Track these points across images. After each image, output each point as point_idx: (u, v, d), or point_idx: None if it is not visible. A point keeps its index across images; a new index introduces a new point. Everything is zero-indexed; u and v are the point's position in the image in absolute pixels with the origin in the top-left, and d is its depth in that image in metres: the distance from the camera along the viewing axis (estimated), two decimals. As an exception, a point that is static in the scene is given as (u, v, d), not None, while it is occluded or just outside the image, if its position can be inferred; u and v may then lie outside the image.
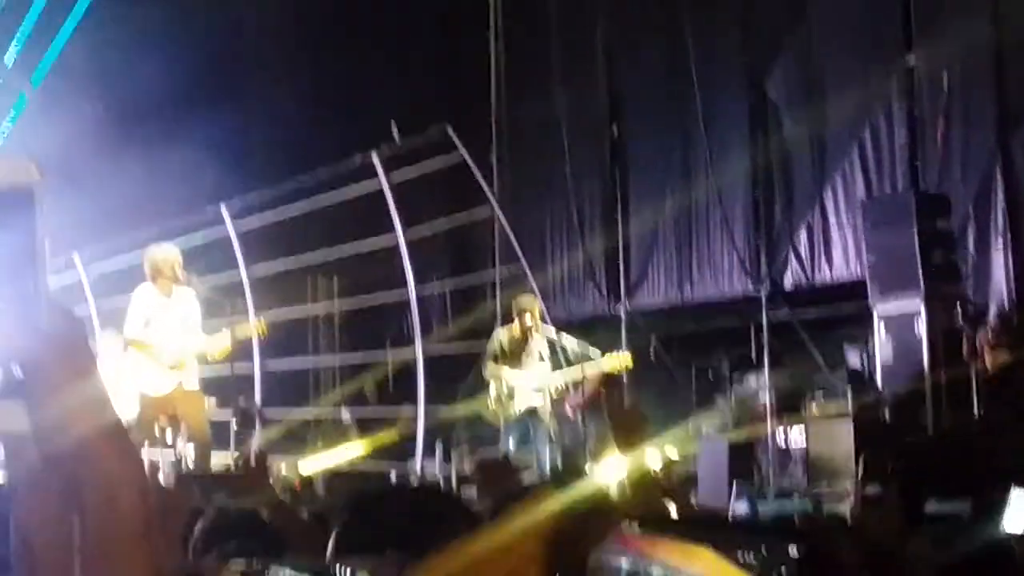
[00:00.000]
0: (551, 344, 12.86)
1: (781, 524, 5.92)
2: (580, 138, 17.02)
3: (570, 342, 12.78)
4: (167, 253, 11.53)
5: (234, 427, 14.38)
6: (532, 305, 12.91)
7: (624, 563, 1.48)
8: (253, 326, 11.90)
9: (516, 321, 12.87)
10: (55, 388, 1.76)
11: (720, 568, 1.61)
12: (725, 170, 15.15)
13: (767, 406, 13.55)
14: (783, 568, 1.51)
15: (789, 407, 13.17)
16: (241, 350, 12.75)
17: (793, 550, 1.52)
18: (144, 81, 15.61)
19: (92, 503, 1.74)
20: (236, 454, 13.05)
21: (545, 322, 13.20)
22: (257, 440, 12.99)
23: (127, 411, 12.07)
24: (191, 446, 12.42)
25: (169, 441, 13.09)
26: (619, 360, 12.81)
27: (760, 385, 14.26)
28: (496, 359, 12.83)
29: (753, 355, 14.85)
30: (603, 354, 12.73)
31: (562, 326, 13.38)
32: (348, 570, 2.87)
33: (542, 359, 12.81)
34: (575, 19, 17.16)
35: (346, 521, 4.12)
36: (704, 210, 15.50)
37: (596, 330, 14.47)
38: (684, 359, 15.53)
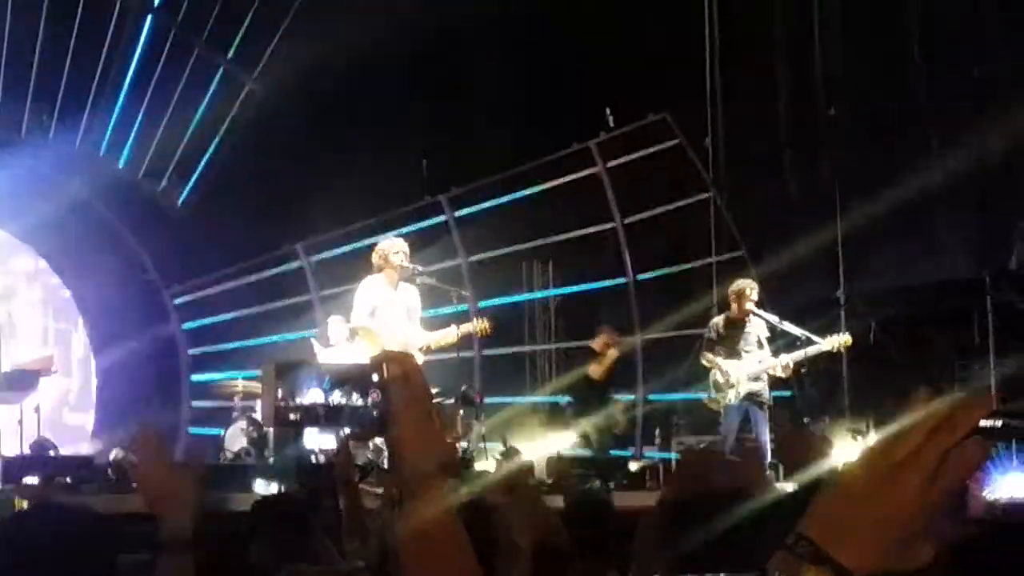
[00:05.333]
0: (771, 329, 12.78)
1: None
2: (798, 120, 16.85)
3: (789, 327, 12.67)
4: (395, 246, 11.81)
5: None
6: (750, 290, 12.84)
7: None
8: (475, 325, 12.11)
9: (734, 306, 12.83)
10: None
11: None
12: (949, 150, 14.84)
13: (992, 391, 13.26)
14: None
15: (1016, 392, 12.88)
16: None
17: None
18: (366, 72, 15.94)
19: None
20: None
21: (763, 307, 13.11)
22: (478, 427, 13.16)
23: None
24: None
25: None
26: (840, 341, 12.66)
27: (985, 370, 13.97)
28: (714, 345, 12.80)
29: (977, 339, 14.54)
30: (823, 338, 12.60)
31: (781, 311, 13.25)
32: None
33: (761, 344, 12.73)
34: (792, 1, 17.00)
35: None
36: (927, 190, 15.17)
37: (815, 315, 14.29)
38: (906, 343, 15.24)
